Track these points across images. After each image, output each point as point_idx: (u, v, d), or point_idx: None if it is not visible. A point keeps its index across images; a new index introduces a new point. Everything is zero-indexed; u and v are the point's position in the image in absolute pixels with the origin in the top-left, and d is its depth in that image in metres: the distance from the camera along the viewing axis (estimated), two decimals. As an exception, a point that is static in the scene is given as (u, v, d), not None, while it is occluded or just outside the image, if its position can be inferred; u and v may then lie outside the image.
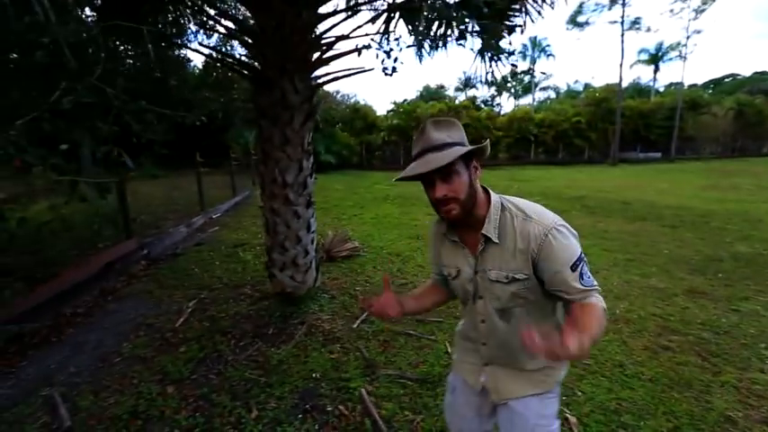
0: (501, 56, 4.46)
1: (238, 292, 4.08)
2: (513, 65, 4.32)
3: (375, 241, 6.15)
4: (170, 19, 4.16)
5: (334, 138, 21.29)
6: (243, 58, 3.54)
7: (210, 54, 3.71)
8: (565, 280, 1.06)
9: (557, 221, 1.09)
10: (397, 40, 4.32)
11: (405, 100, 27.45)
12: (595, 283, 1.09)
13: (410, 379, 2.61)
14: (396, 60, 4.07)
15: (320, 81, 3.54)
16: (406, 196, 10.80)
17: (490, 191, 1.17)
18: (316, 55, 3.47)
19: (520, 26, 3.85)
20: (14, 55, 1.39)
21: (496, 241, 1.11)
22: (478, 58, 4.18)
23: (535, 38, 37.97)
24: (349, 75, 3.69)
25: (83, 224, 6.27)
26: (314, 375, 2.66)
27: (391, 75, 4.05)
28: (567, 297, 1.08)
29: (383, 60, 4.01)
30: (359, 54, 3.62)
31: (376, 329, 3.26)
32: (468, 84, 40.68)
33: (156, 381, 2.65)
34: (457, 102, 26.20)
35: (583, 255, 1.09)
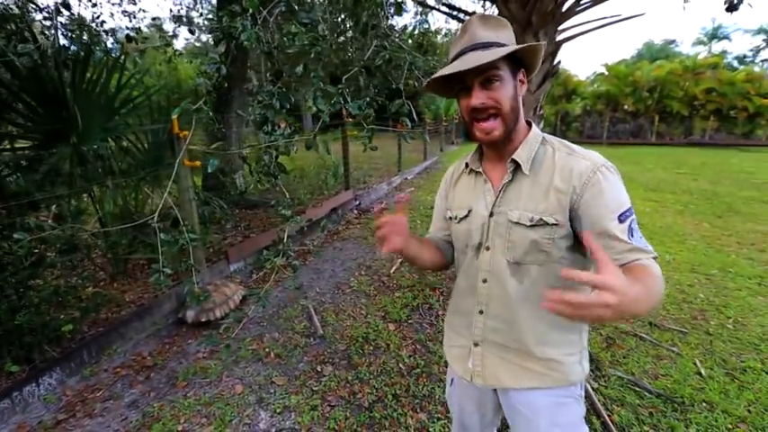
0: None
1: (441, 252, 4.26)
2: None
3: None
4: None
5: (525, 106, 19.69)
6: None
7: (447, 12, 3.69)
8: (610, 231, 0.83)
9: (606, 161, 0.89)
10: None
11: (621, 61, 22.81)
12: (650, 246, 0.84)
13: (648, 390, 2.20)
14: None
15: (565, 36, 3.12)
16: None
17: (533, 124, 0.99)
18: (567, 5, 3.04)
19: None
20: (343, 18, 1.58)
21: (526, 173, 0.93)
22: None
23: None
24: (602, 26, 3.14)
25: (313, 174, 7.66)
26: (528, 353, 2.55)
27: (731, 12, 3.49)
28: (612, 256, 0.80)
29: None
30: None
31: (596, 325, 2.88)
32: (715, 34, 30.75)
33: (379, 316, 3.01)
34: (698, 59, 20.15)
35: (632, 209, 0.86)
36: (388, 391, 2.22)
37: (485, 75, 0.87)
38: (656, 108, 18.88)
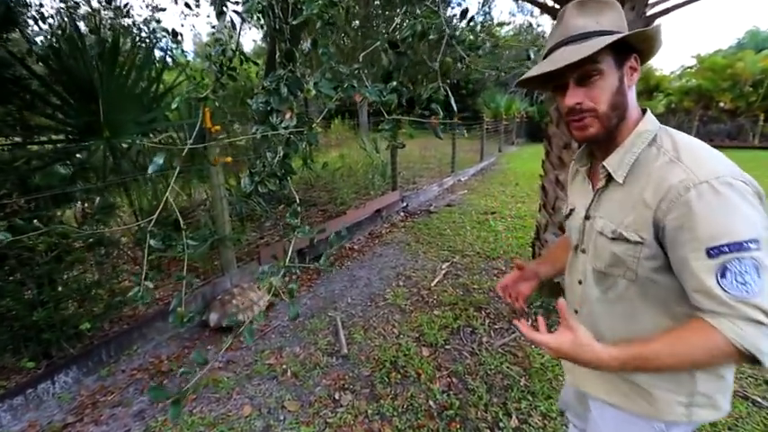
0: None
1: (491, 265, 3.77)
2: None
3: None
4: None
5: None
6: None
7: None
8: (689, 263, 0.70)
9: (722, 174, 0.68)
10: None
11: (717, 51, 19.83)
12: (756, 299, 0.64)
13: (766, 481, 1.61)
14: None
15: (659, 9, 2.52)
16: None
17: (648, 112, 0.83)
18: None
19: None
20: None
21: (620, 181, 0.81)
22: None
23: None
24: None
25: (361, 173, 7.44)
26: (593, 405, 2.03)
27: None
28: (692, 301, 0.72)
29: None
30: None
31: (687, 371, 2.27)
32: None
33: (413, 338, 2.65)
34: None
35: (753, 246, 0.64)
36: (413, 437, 1.86)
37: (580, 70, 0.77)
38: (761, 105, 16.19)
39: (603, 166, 0.84)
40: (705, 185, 0.68)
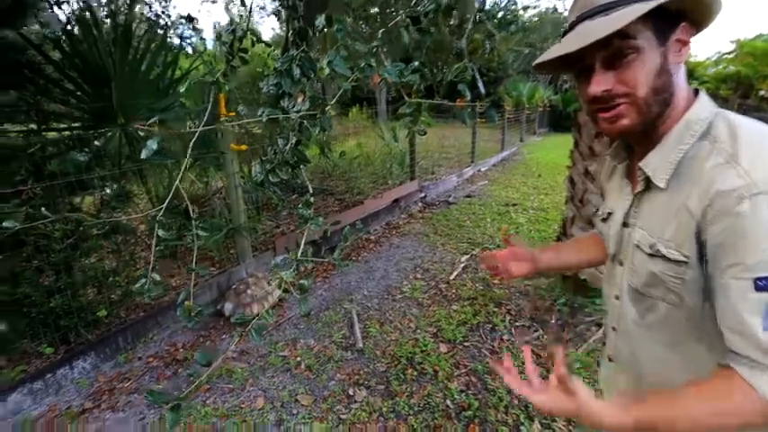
0: None
1: (512, 260, 3.64)
2: None
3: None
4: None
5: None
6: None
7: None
8: (727, 292, 0.56)
9: None
10: None
11: (758, 36, 18.58)
12: None
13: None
14: None
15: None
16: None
17: (703, 94, 0.66)
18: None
19: None
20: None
21: (661, 185, 0.65)
22: None
23: None
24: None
25: (378, 162, 7.32)
26: (622, 411, 1.92)
27: None
28: (725, 341, 0.57)
29: None
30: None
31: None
32: None
33: (430, 333, 2.56)
34: None
35: None
36: (429, 437, 1.79)
37: (610, 49, 0.61)
38: (805, 94, 15.22)
39: (640, 169, 0.69)
40: (764, 196, 0.52)
